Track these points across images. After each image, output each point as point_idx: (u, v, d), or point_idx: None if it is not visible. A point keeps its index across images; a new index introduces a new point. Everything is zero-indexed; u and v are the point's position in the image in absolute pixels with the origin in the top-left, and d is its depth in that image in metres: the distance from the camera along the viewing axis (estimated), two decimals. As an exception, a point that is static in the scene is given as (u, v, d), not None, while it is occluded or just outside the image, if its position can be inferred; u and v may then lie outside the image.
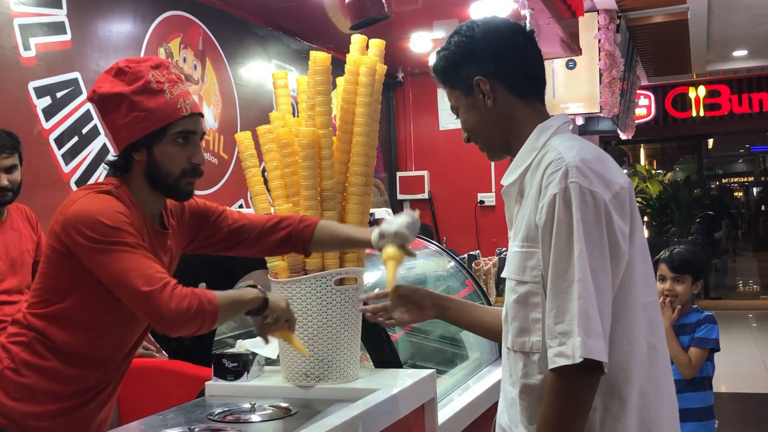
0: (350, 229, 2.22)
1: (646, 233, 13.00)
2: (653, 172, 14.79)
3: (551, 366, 1.46)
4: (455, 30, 1.69)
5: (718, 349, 3.05)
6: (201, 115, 1.93)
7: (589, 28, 7.33)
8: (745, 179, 19.19)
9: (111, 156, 1.95)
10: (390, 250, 2.04)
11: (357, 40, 2.48)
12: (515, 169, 1.62)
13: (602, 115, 7.97)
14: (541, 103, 1.68)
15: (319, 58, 2.38)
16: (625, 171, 14.26)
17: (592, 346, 1.42)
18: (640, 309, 1.53)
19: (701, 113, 12.33)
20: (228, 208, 2.23)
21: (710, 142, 14.65)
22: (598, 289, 1.45)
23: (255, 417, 2.09)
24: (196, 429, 1.93)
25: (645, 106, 12.34)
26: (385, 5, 2.95)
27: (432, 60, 1.74)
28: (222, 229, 2.12)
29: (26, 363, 1.83)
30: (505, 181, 1.66)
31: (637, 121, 10.87)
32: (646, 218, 13.43)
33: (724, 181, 18.05)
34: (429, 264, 3.75)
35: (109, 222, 1.74)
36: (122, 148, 1.88)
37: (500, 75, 1.63)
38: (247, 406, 2.15)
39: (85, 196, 1.82)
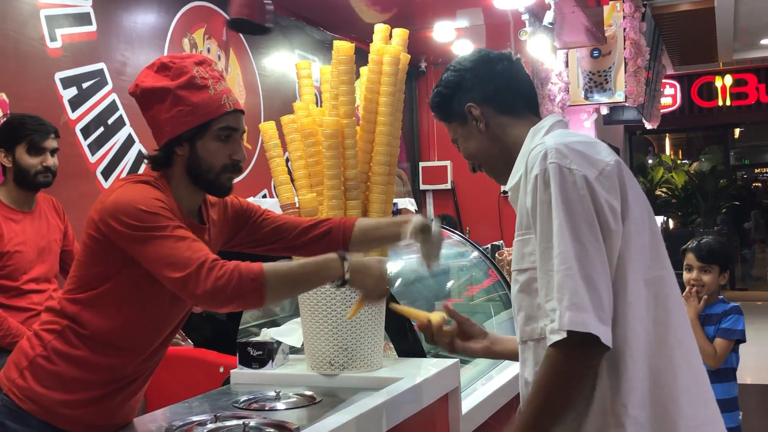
0: (386, 223, 2.18)
1: (671, 224, 12.90)
2: (678, 162, 14.66)
3: (548, 344, 1.49)
4: (446, 67, 1.82)
5: (743, 341, 3.02)
6: (242, 112, 1.95)
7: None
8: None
9: (150, 151, 1.96)
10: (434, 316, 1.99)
11: (380, 29, 2.48)
12: (516, 173, 1.67)
13: (627, 105, 7.91)
14: (535, 115, 1.76)
15: (343, 47, 2.38)
16: (650, 161, 14.17)
17: (574, 318, 1.44)
18: (642, 284, 1.52)
19: (728, 102, 12.20)
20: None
21: (737, 131, 14.47)
22: (587, 261, 1.46)
23: (280, 405, 2.10)
24: (222, 417, 1.94)
25: (670, 96, 12.23)
26: (268, 19, 2.95)
27: (429, 99, 1.85)
28: (263, 228, 2.12)
29: (58, 351, 1.84)
30: (508, 186, 1.71)
31: (662, 111, 10.77)
32: (671, 209, 13.31)
33: (756, 171, 17.77)
34: (452, 254, 3.75)
35: (146, 208, 1.75)
36: (164, 142, 1.88)
37: (488, 99, 1.74)
38: (272, 394, 2.16)
39: (122, 186, 1.83)
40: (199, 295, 1.71)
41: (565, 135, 1.61)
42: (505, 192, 7.62)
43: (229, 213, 2.09)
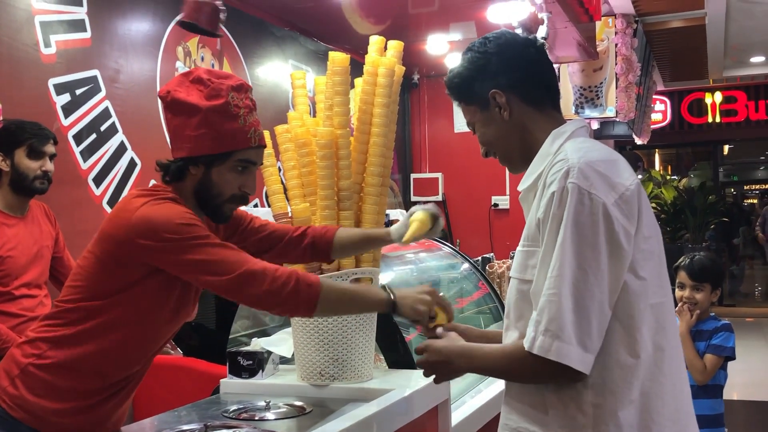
0: (368, 230, 2.24)
1: (660, 239, 12.94)
2: (668, 177, 14.71)
3: (524, 343, 1.51)
4: (468, 47, 1.72)
5: (733, 358, 3.04)
6: (265, 146, 1.95)
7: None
8: (765, 186, 19.01)
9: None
10: (421, 214, 2.13)
11: (376, 41, 2.49)
12: (530, 174, 1.64)
13: (618, 120, 7.95)
14: (557, 111, 1.70)
15: (338, 58, 2.39)
16: (640, 176, 14.20)
17: (544, 344, 1.46)
18: (648, 309, 1.53)
19: (717, 119, 12.27)
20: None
21: (726, 148, 14.56)
22: (585, 287, 1.46)
23: (269, 415, 2.10)
24: (211, 426, 1.93)
25: (661, 111, 12.29)
26: (219, 24, 2.96)
27: (447, 77, 1.76)
28: (254, 235, 2.13)
29: (52, 359, 1.83)
30: (521, 186, 1.67)
31: (652, 126, 10.82)
32: (659, 224, 13.37)
33: (745, 188, 17.89)
34: (443, 266, 3.75)
35: (184, 221, 1.75)
36: (181, 156, 1.86)
37: (514, 87, 1.66)
38: (262, 404, 2.16)
39: (148, 203, 1.79)
40: (256, 294, 1.75)
41: (588, 150, 1.55)
42: (496, 204, 7.64)
43: None
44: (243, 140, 1.85)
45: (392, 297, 1.88)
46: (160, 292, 1.83)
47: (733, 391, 5.93)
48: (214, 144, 1.82)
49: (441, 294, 1.95)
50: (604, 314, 1.48)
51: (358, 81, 2.47)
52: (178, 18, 2.86)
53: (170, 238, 1.74)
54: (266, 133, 2.48)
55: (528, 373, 1.54)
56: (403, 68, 2.48)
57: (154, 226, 1.75)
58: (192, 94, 1.83)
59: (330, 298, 1.81)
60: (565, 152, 1.56)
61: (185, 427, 1.96)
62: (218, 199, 1.87)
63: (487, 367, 1.67)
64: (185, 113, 1.83)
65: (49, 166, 3.10)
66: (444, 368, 1.69)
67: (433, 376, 1.72)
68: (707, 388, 3.00)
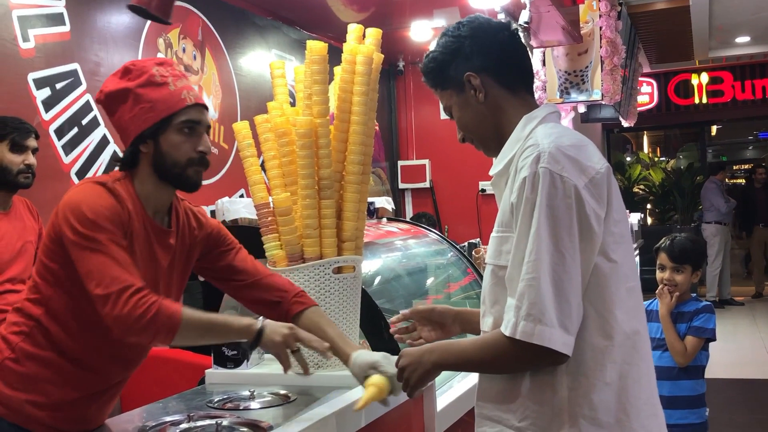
0: (336, 336, 2.07)
1: (648, 220, 13.00)
2: (656, 159, 14.76)
3: (503, 330, 1.52)
4: (442, 32, 1.74)
5: (714, 339, 3.03)
6: (205, 107, 1.95)
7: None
8: (751, 166, 19.06)
9: (118, 152, 1.97)
10: (378, 378, 1.91)
11: (354, 29, 2.48)
12: (502, 159, 1.65)
13: (604, 103, 7.95)
14: (531, 96, 1.72)
15: (316, 47, 2.39)
16: (628, 159, 14.26)
17: (527, 329, 1.48)
18: (624, 292, 1.55)
19: (704, 100, 12.29)
20: (245, 250, 2.19)
21: (713, 129, 14.60)
22: (563, 270, 1.47)
23: (254, 404, 2.11)
24: (196, 416, 1.94)
25: (647, 94, 12.30)
26: (170, 12, 2.93)
27: (423, 63, 1.76)
28: (221, 261, 2.12)
29: (27, 353, 1.83)
30: (493, 171, 1.69)
31: (639, 109, 10.84)
32: (648, 205, 13.40)
33: (734, 168, 17.91)
34: (430, 253, 3.76)
35: (90, 215, 1.76)
36: (130, 143, 1.89)
37: (488, 69, 1.67)
38: (247, 393, 2.16)
39: (79, 186, 1.85)
40: (114, 315, 1.72)
41: (558, 135, 1.57)
42: (483, 190, 7.65)
43: (204, 231, 2.08)
44: (177, 101, 1.88)
45: (260, 324, 1.87)
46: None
47: (719, 371, 5.97)
48: (151, 114, 1.86)
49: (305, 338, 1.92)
50: (580, 295, 1.50)
51: (337, 70, 2.47)
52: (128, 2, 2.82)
53: (73, 225, 1.76)
54: (246, 124, 2.49)
55: (510, 360, 1.54)
56: (382, 56, 2.48)
57: (69, 206, 1.78)
58: (120, 83, 1.89)
59: (189, 328, 1.78)
60: (536, 137, 1.57)
61: (169, 418, 1.97)
62: (177, 168, 1.89)
63: (465, 359, 1.65)
64: (119, 101, 1.88)
65: (32, 160, 3.09)
66: (416, 368, 1.68)
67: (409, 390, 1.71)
68: (688, 369, 3.01)
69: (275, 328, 1.90)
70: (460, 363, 1.70)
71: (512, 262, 1.53)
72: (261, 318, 1.92)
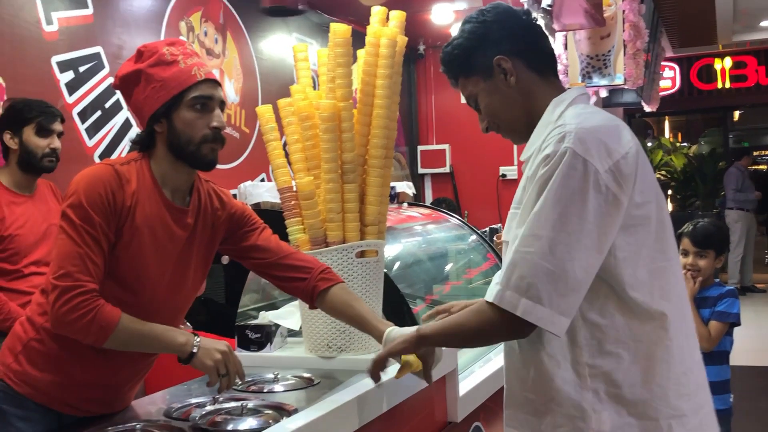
0: (366, 312, 2.05)
1: (670, 206, 12.90)
2: (678, 144, 14.62)
3: (486, 298, 1.54)
4: (464, 20, 1.72)
5: (738, 324, 3.03)
6: (217, 82, 1.95)
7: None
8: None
9: (136, 134, 1.98)
10: (412, 357, 1.91)
11: (377, 11, 2.47)
12: (533, 144, 1.63)
13: (626, 87, 7.88)
14: (557, 78, 1.71)
15: (339, 30, 2.37)
16: (650, 144, 14.14)
17: (512, 299, 1.48)
18: (645, 274, 1.53)
19: (727, 85, 12.15)
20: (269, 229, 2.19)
21: (736, 114, 14.43)
22: (567, 249, 1.46)
23: (278, 387, 2.12)
24: (221, 398, 1.95)
25: (670, 78, 12.18)
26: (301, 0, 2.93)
27: (444, 51, 1.74)
28: (245, 241, 2.12)
29: (51, 334, 1.85)
30: (524, 156, 1.67)
31: (661, 93, 10.73)
32: (670, 191, 13.29)
33: (755, 153, 17.71)
34: (450, 238, 3.76)
35: (83, 197, 1.78)
36: (145, 124, 1.91)
37: (518, 52, 1.66)
38: (270, 376, 2.18)
39: (88, 168, 1.87)
40: (54, 310, 1.75)
41: (588, 116, 1.56)
42: (504, 175, 7.61)
43: (227, 211, 2.08)
44: (187, 78, 1.88)
45: (195, 345, 1.82)
46: (134, 260, 1.84)
47: (743, 357, 5.92)
48: (162, 93, 1.87)
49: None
50: (584, 278, 1.48)
51: (360, 53, 2.46)
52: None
53: (68, 200, 1.79)
54: (269, 107, 2.49)
55: (493, 328, 1.56)
56: (406, 38, 2.46)
57: (76, 180, 1.82)
58: (132, 66, 1.91)
59: (120, 338, 1.77)
60: (564, 119, 1.56)
61: (194, 400, 1.98)
62: (191, 145, 1.89)
63: (447, 324, 1.68)
64: (132, 84, 1.90)
65: (57, 143, 3.11)
66: (402, 344, 1.74)
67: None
68: (713, 355, 2.99)
69: (209, 352, 1.83)
70: (450, 331, 1.68)
71: (519, 232, 1.53)
72: (198, 339, 1.84)
